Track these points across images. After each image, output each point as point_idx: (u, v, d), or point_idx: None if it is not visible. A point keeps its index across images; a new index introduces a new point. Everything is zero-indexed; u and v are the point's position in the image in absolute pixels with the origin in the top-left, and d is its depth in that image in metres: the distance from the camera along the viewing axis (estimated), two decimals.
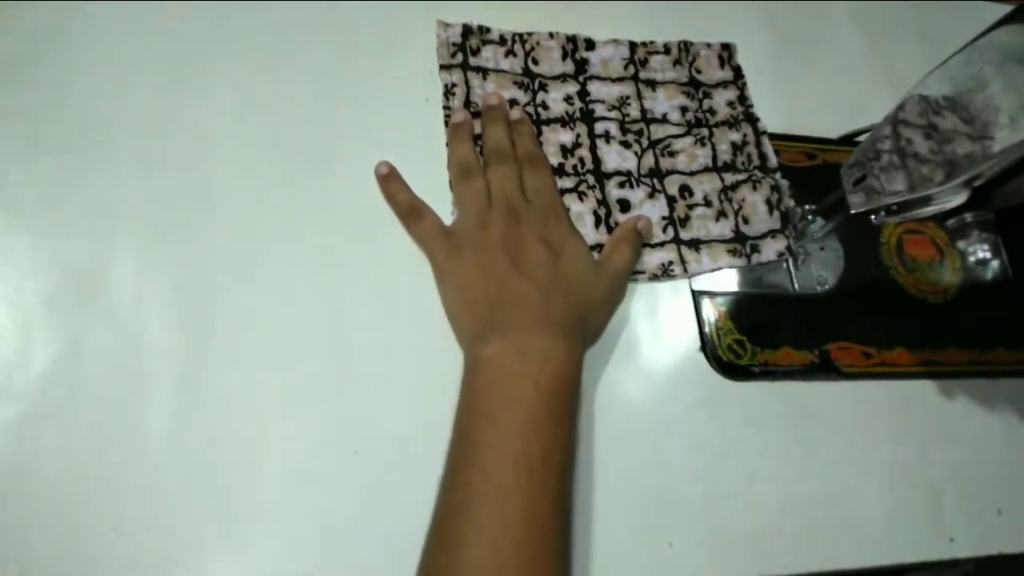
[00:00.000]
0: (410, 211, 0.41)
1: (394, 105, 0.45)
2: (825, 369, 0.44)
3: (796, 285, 0.46)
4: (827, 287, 0.46)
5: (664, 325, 0.43)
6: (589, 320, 0.40)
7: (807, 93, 0.53)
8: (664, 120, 0.48)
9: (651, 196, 0.45)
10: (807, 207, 0.46)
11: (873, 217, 0.39)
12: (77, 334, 0.36)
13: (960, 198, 0.33)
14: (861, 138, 0.50)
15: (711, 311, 0.44)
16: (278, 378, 0.37)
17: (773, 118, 0.50)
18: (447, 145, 0.44)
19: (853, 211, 0.39)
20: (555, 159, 0.45)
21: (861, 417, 0.43)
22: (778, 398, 0.43)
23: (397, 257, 0.41)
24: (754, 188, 0.46)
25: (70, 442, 0.34)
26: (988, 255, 0.33)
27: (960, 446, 0.44)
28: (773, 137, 0.49)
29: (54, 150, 0.40)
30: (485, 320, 0.37)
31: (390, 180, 0.42)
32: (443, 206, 0.43)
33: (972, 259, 0.33)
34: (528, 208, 0.41)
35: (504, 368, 0.35)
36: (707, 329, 0.43)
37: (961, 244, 0.34)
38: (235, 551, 0.34)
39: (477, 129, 0.45)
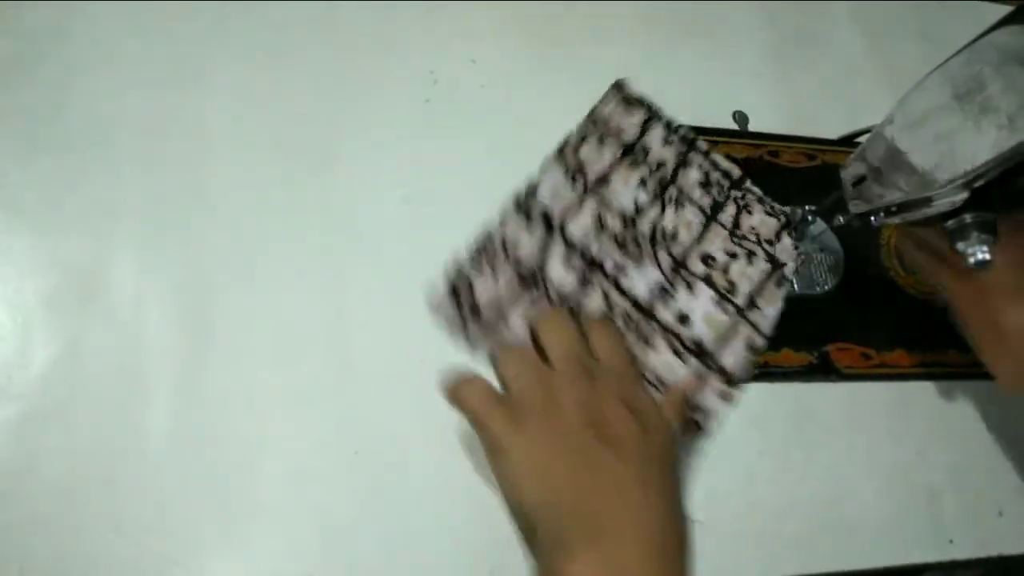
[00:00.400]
0: (452, 375, 0.34)
1: (394, 105, 0.45)
2: (825, 370, 0.44)
3: (796, 286, 0.46)
4: (827, 288, 0.46)
5: None
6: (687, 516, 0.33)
7: (807, 93, 0.53)
8: (639, 210, 0.44)
9: (690, 289, 0.43)
10: (807, 208, 0.46)
11: (873, 218, 0.39)
12: (77, 334, 0.36)
13: (960, 199, 0.33)
14: (861, 138, 0.50)
15: None
16: (278, 378, 0.37)
17: (773, 118, 0.50)
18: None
19: (853, 212, 0.39)
20: None
21: (861, 418, 0.43)
22: (778, 399, 0.43)
23: (397, 257, 0.41)
24: (749, 212, 0.46)
25: (70, 442, 0.34)
26: (987, 256, 0.33)
27: (960, 447, 0.44)
28: (773, 138, 0.49)
29: (54, 150, 0.40)
30: (574, 518, 0.29)
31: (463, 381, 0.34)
32: (448, 217, 0.42)
33: (971, 260, 0.33)
34: (599, 367, 0.34)
35: None
36: None
37: (960, 245, 0.33)
38: (235, 551, 0.34)
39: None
